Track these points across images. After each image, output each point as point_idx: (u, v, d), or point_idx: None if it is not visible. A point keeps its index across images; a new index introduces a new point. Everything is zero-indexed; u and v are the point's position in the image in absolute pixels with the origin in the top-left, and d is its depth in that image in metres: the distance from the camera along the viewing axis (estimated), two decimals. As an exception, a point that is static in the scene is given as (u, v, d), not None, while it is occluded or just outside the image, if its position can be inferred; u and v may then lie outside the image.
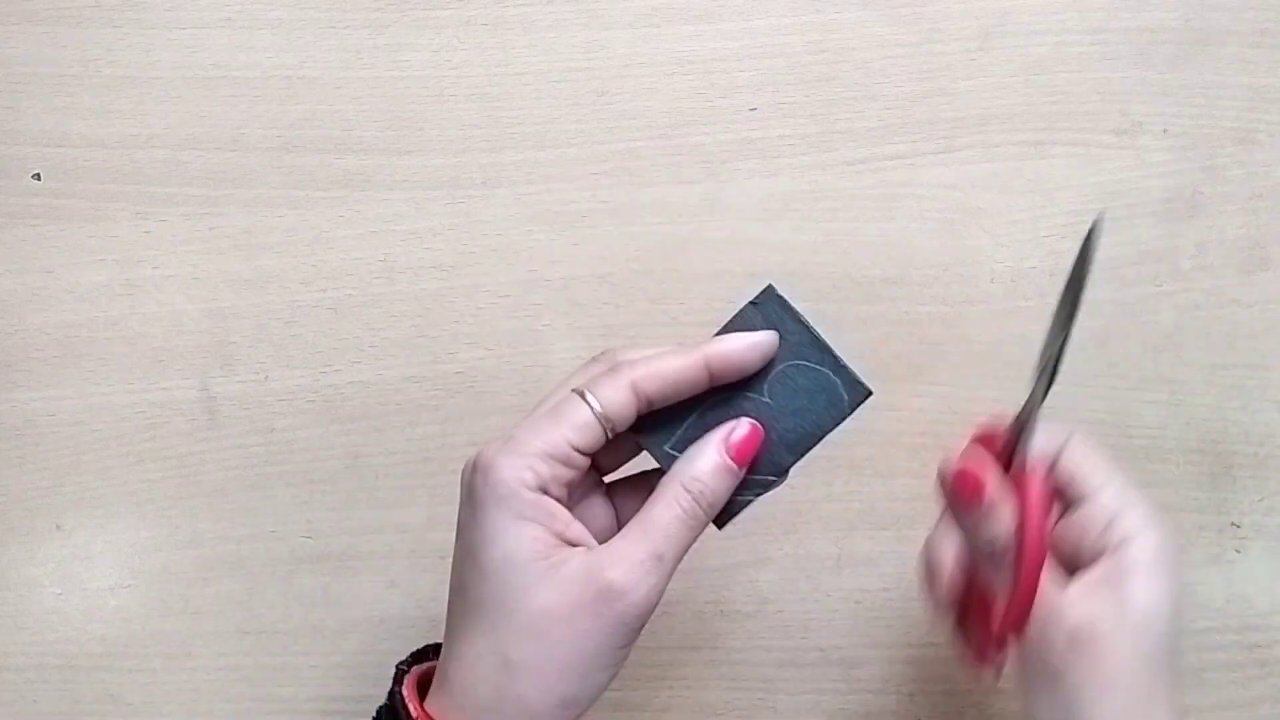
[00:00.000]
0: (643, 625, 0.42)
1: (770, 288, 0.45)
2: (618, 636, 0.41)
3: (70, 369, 0.58)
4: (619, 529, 0.45)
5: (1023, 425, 0.44)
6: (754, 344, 0.44)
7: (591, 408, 0.42)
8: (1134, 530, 0.43)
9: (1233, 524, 0.58)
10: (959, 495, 0.44)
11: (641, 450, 0.46)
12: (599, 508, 0.46)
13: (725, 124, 0.59)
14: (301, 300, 0.58)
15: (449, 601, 0.44)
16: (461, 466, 0.42)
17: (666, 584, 0.42)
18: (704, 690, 0.58)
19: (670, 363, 0.43)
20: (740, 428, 0.44)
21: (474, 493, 0.42)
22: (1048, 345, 0.43)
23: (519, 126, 0.59)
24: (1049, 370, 0.42)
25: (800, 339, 0.45)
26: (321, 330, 0.58)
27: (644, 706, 0.58)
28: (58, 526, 0.58)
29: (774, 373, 0.45)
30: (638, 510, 0.44)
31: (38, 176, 0.58)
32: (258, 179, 0.59)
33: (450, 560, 0.55)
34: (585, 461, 0.43)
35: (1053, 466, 0.45)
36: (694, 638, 0.58)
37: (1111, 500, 0.44)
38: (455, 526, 0.44)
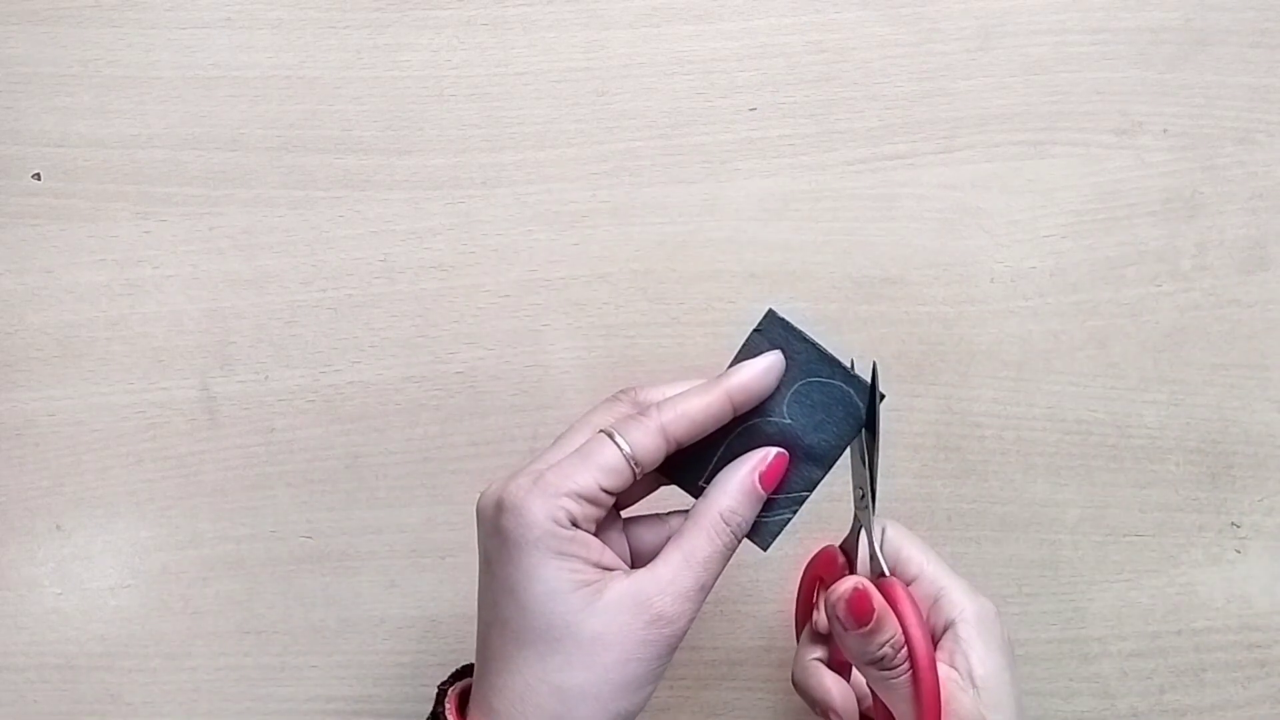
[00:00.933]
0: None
1: (771, 311, 0.46)
2: (665, 656, 0.44)
3: (70, 369, 0.58)
4: (630, 551, 0.47)
5: (856, 544, 0.48)
6: (767, 368, 0.46)
7: (621, 450, 0.43)
8: (954, 609, 0.47)
9: (1233, 524, 0.58)
10: (858, 616, 0.45)
11: (659, 486, 0.47)
12: (615, 539, 0.47)
13: (725, 124, 0.59)
14: (301, 300, 0.58)
15: (483, 635, 0.44)
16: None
17: None
18: (704, 690, 0.58)
19: (696, 403, 0.45)
20: (769, 456, 0.46)
21: (506, 532, 0.43)
22: (857, 474, 0.47)
23: (519, 126, 0.59)
24: (869, 496, 0.47)
25: (808, 356, 0.46)
26: (321, 330, 0.58)
27: (644, 706, 0.58)
28: (58, 526, 0.58)
29: (790, 393, 0.46)
30: (648, 537, 0.47)
31: (38, 176, 0.58)
32: (258, 179, 0.59)
33: (449, 561, 0.55)
34: (611, 500, 0.44)
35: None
36: (694, 638, 0.58)
37: (930, 585, 0.48)
38: (481, 557, 0.45)
